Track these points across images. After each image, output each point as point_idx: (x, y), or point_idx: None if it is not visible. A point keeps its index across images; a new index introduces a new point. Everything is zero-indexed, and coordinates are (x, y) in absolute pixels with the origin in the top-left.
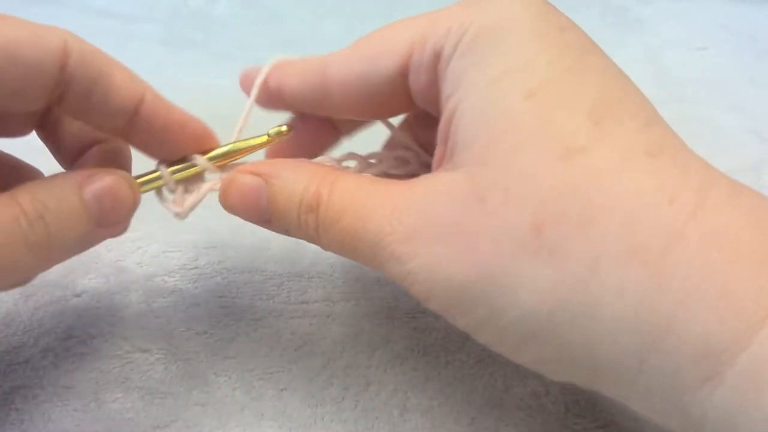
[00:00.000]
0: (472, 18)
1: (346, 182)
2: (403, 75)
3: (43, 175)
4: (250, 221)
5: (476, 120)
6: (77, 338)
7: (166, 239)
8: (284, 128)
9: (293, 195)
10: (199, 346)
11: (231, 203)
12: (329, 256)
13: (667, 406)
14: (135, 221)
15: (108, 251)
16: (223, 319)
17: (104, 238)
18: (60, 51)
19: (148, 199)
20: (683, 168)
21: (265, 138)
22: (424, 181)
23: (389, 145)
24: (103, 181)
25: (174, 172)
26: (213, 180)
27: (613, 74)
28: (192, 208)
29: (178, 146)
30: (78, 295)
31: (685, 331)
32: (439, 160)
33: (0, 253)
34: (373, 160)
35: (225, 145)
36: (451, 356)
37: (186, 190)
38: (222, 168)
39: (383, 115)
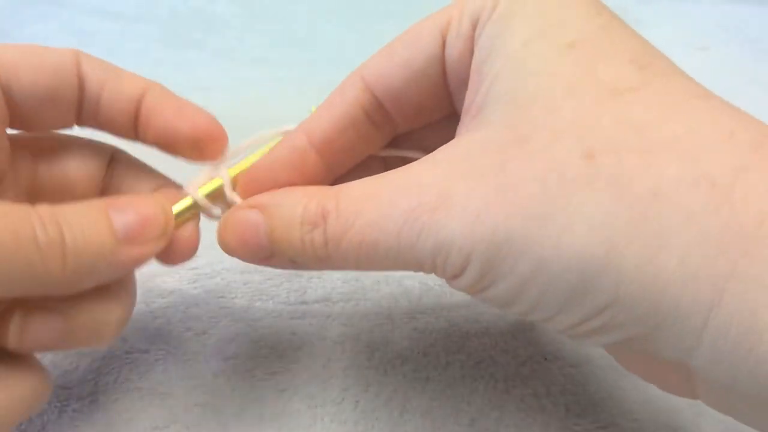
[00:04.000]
0: None
1: (353, 186)
2: (443, 49)
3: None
4: (252, 260)
5: (514, 74)
6: None
7: None
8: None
9: (292, 217)
10: (198, 347)
11: (229, 244)
12: None
13: (740, 355)
14: None
15: None
16: (222, 320)
17: (130, 267)
18: (73, 59)
19: None
20: (735, 110)
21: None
22: (447, 148)
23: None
24: (133, 202)
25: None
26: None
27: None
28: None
29: (191, 137)
30: None
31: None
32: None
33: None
34: None
35: (244, 159)
36: (452, 357)
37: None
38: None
39: (425, 113)
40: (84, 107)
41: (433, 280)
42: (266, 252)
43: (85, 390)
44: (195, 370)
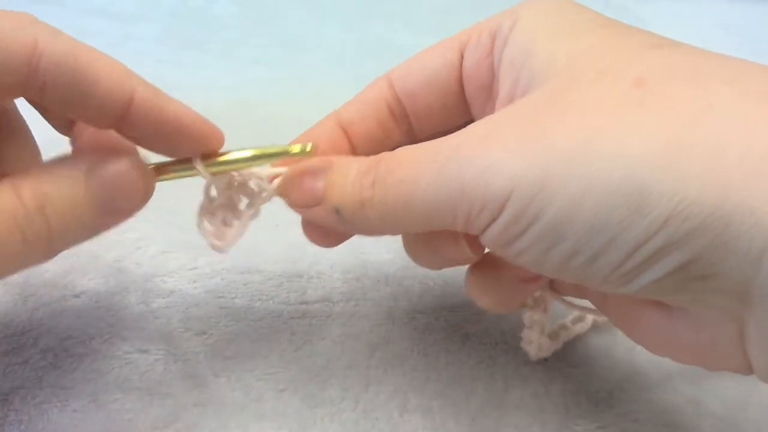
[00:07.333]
0: (519, 10)
1: (412, 145)
2: (460, 59)
3: (32, 136)
4: (302, 203)
5: (558, 49)
6: (76, 339)
7: (165, 239)
8: (309, 147)
9: (351, 164)
10: (198, 347)
11: (290, 184)
12: (329, 257)
13: None
14: (134, 221)
15: (107, 252)
16: (222, 320)
17: (111, 227)
18: (28, 52)
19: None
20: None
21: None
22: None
23: None
24: (111, 169)
25: (209, 166)
26: (264, 193)
27: None
28: (234, 241)
29: (176, 146)
30: (77, 296)
31: None
32: None
33: None
34: None
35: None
36: (452, 356)
37: (229, 205)
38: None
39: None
40: (48, 96)
41: (433, 280)
42: (317, 196)
43: (86, 390)
44: (195, 370)
